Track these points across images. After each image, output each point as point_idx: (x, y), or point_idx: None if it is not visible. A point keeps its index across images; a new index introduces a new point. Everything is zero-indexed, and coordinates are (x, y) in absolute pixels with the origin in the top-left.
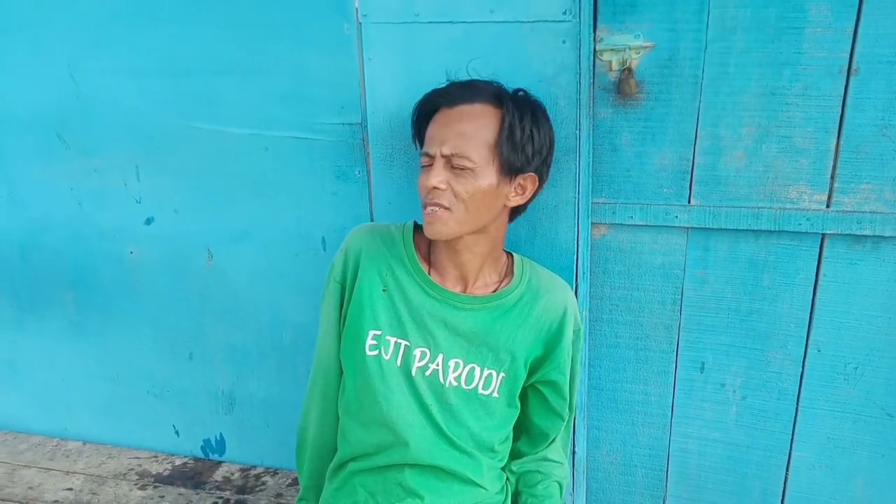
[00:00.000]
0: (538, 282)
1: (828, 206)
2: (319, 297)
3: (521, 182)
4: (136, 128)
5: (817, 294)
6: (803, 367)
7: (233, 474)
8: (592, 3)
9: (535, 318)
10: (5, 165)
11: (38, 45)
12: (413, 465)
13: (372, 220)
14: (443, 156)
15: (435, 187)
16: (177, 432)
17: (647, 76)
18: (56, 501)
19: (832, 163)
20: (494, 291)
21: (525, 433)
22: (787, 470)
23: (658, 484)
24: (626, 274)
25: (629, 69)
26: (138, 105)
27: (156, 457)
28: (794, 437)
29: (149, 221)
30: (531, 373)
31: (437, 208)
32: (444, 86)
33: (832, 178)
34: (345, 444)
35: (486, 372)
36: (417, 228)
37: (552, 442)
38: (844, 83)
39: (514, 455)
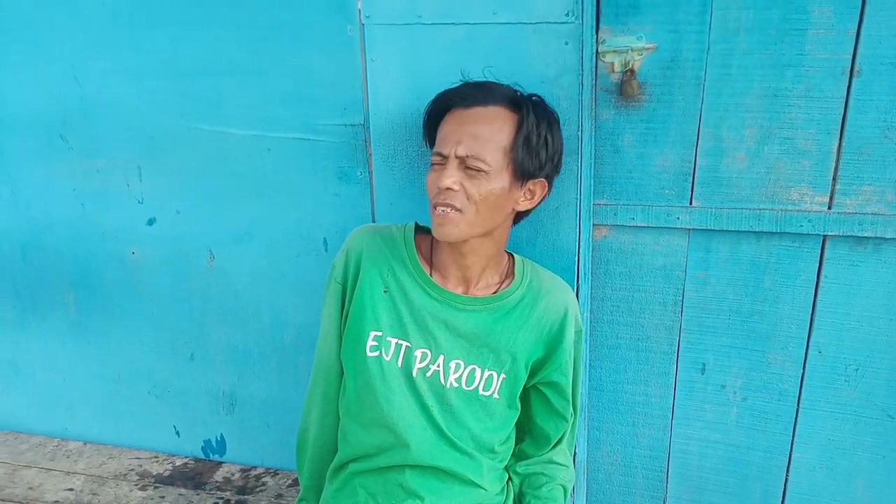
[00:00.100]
0: (539, 283)
1: (829, 208)
2: (320, 297)
3: (531, 187)
4: (138, 128)
5: (818, 295)
6: (804, 369)
7: (233, 475)
8: (595, 4)
9: (536, 320)
10: (8, 165)
11: (41, 45)
12: (414, 466)
13: (373, 221)
14: (457, 157)
15: (448, 188)
16: (177, 433)
17: (649, 78)
18: (56, 502)
19: (834, 164)
20: (495, 293)
21: (529, 434)
22: (787, 471)
23: (658, 485)
24: (628, 275)
25: (631, 71)
26: (141, 106)
27: (156, 457)
28: (795, 438)
29: (151, 222)
30: (532, 374)
31: (448, 209)
32: (457, 86)
33: (834, 179)
34: (345, 445)
35: (486, 373)
36: (419, 229)
37: (558, 444)
38: (847, 85)
39: (519, 456)
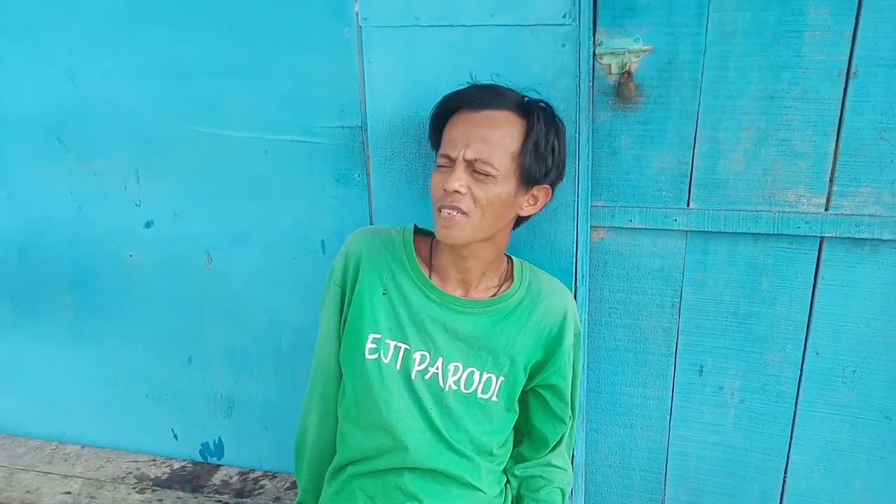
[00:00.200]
0: (538, 286)
1: (826, 210)
2: (318, 300)
3: (535, 193)
4: (135, 131)
5: (816, 297)
6: (802, 370)
7: (231, 478)
8: (592, 6)
9: (535, 322)
10: (5, 167)
11: (39, 47)
12: (412, 469)
13: (371, 224)
14: (465, 160)
15: (456, 190)
16: (175, 436)
17: (646, 80)
18: None
19: (831, 166)
20: (494, 295)
21: (527, 437)
22: (785, 473)
23: (657, 487)
24: (625, 277)
25: (628, 73)
26: (138, 108)
27: (154, 460)
28: (793, 440)
29: (148, 224)
30: (531, 377)
31: (454, 212)
32: (465, 87)
33: (831, 181)
34: (344, 448)
35: (485, 376)
36: (418, 232)
37: (556, 447)
38: (843, 86)
39: (518, 459)
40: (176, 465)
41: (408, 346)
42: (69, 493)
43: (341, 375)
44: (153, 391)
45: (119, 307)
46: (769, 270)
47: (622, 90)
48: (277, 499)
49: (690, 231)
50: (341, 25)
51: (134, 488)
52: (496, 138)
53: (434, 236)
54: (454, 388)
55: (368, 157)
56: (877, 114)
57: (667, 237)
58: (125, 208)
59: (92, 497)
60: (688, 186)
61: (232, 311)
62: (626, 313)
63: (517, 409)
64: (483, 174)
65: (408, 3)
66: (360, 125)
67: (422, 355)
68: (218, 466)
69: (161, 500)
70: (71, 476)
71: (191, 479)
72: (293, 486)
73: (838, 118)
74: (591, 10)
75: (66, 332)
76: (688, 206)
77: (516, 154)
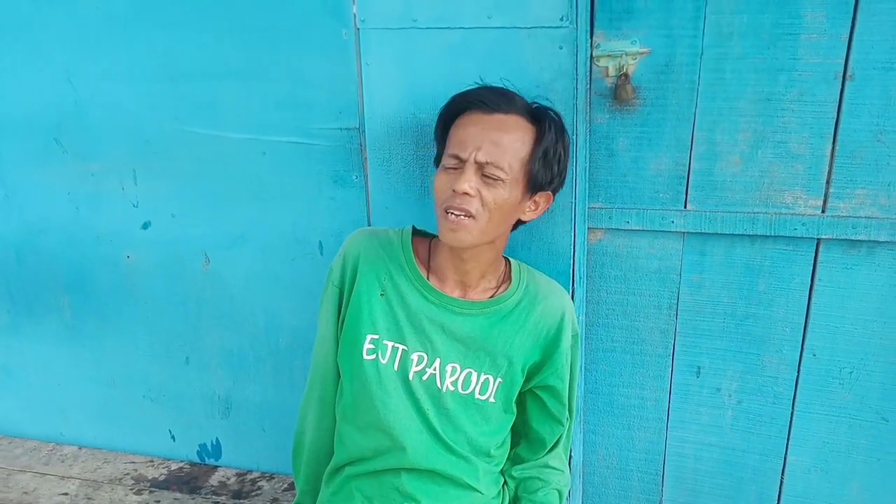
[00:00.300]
0: (536, 287)
1: (823, 211)
2: (316, 301)
3: (538, 199)
4: (133, 132)
5: (813, 298)
6: (799, 372)
7: (229, 479)
8: (589, 9)
9: (533, 324)
10: (2, 169)
11: (36, 48)
12: (410, 470)
13: (369, 225)
14: (476, 162)
15: (466, 192)
16: (173, 437)
17: (643, 82)
18: None
19: (827, 168)
20: (492, 297)
21: (525, 438)
22: (782, 474)
23: (654, 488)
24: (623, 278)
25: (626, 75)
26: (136, 109)
27: (151, 461)
28: (790, 441)
29: (146, 226)
30: (529, 378)
31: (462, 215)
32: (476, 88)
33: (827, 183)
34: (341, 449)
35: (482, 377)
36: (416, 233)
37: (553, 448)
38: (840, 89)
39: (515, 460)
40: (173, 467)
41: (405, 347)
42: (66, 494)
43: (339, 376)
44: (150, 392)
45: (116, 308)
46: (766, 272)
47: (619, 92)
48: (275, 500)
49: (687, 233)
50: (339, 27)
51: (131, 489)
52: (507, 142)
53: (432, 237)
54: (452, 389)
55: (366, 158)
56: (873, 116)
57: (664, 239)
58: (122, 209)
59: (89, 498)
60: (685, 188)
61: (229, 312)
62: (624, 315)
63: (514, 410)
64: (492, 178)
65: (406, 5)
66: (357, 127)
67: (419, 356)
68: (215, 467)
69: (158, 502)
70: (68, 477)
71: (188, 480)
72: (291, 487)
73: (835, 120)
74: (589, 13)
75: (63, 332)
76: (685, 207)
77: (526, 160)
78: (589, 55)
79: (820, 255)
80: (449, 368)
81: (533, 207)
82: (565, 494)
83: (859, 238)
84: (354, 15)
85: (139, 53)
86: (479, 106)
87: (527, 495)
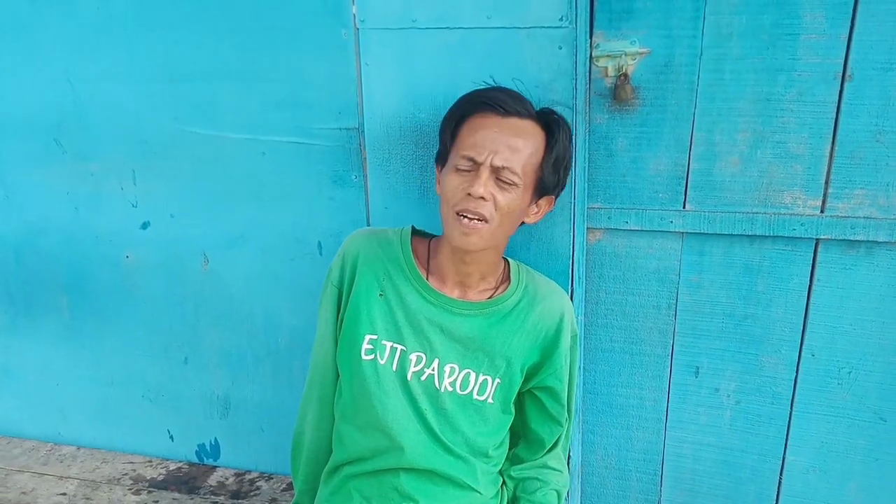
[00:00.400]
0: (535, 288)
1: (822, 212)
2: (315, 301)
3: (541, 202)
4: (132, 132)
5: (811, 299)
6: (797, 372)
7: (227, 479)
8: (589, 9)
9: (532, 325)
10: (2, 169)
11: (36, 49)
12: (408, 470)
13: (368, 225)
14: (492, 166)
15: (482, 196)
16: (171, 437)
17: (642, 82)
18: None
19: (826, 168)
20: (491, 297)
21: (523, 439)
22: (780, 474)
23: (653, 488)
24: (622, 279)
25: (625, 75)
26: (135, 109)
27: (150, 462)
28: (788, 441)
29: (145, 226)
30: (528, 379)
31: (476, 219)
32: (488, 88)
33: (826, 183)
34: (340, 448)
35: (481, 378)
36: (416, 233)
37: (552, 449)
38: (839, 89)
39: (514, 461)
40: (172, 467)
41: (404, 348)
42: (65, 494)
43: (338, 376)
44: (149, 392)
45: (115, 308)
46: (765, 272)
47: (619, 92)
48: (273, 500)
49: (686, 233)
50: (339, 27)
51: (130, 489)
52: (522, 148)
53: (432, 237)
54: (450, 389)
55: (365, 158)
56: (872, 116)
57: (663, 239)
58: (122, 209)
59: (88, 498)
60: (684, 188)
61: (228, 312)
62: (623, 315)
63: (513, 410)
64: (507, 182)
65: (405, 5)
66: (357, 127)
67: (418, 356)
68: (214, 468)
69: (157, 502)
70: (67, 477)
71: (187, 480)
72: (289, 487)
73: (834, 121)
74: (588, 13)
75: (62, 332)
76: (684, 207)
77: (537, 166)
78: (588, 55)
79: (819, 255)
80: (447, 369)
81: (536, 211)
82: (564, 495)
83: (858, 238)
84: (354, 15)
85: (139, 54)
86: (495, 108)
87: (525, 495)
